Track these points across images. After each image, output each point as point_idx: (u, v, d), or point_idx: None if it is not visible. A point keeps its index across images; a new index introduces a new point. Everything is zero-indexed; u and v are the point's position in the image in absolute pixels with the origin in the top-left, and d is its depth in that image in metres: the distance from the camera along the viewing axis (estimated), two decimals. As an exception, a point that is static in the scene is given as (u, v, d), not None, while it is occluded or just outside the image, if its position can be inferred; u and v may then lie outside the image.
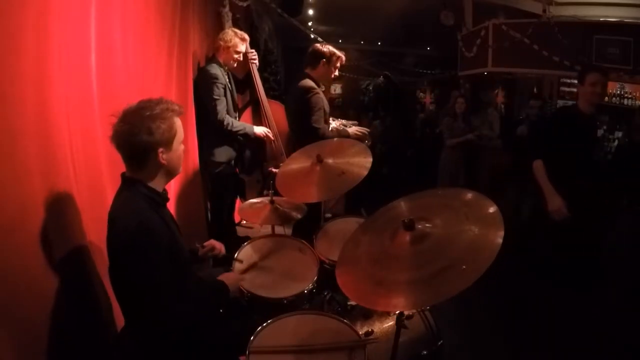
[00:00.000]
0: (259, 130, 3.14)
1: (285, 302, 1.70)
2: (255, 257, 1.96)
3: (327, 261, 1.92)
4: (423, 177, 5.46)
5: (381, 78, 7.83)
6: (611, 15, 5.01)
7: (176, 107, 1.42)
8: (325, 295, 1.97)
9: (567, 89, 5.86)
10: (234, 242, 2.83)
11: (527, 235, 3.03)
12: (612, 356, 2.27)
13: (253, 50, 3.28)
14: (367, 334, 1.54)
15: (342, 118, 3.46)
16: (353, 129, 3.06)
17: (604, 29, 4.83)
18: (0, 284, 1.16)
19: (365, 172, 1.94)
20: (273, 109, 3.48)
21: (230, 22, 3.48)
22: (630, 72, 4.67)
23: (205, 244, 1.83)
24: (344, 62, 2.87)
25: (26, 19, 1.25)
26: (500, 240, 1.11)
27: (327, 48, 2.78)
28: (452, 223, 1.26)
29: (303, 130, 2.70)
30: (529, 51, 5.12)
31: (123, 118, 1.34)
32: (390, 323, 1.63)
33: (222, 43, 2.95)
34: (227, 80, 2.99)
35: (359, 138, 2.88)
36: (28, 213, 1.29)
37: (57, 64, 1.40)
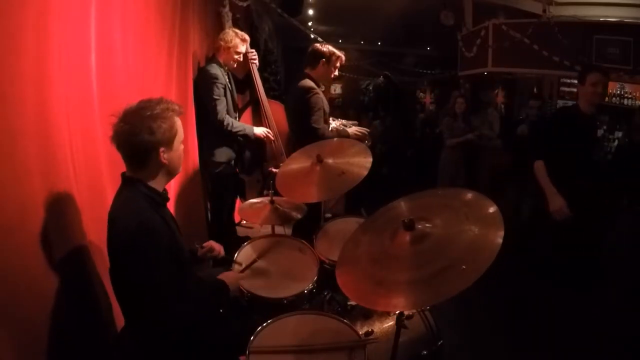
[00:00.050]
0: (259, 130, 3.14)
1: (285, 302, 1.70)
2: (255, 256, 1.96)
3: (327, 261, 1.92)
4: (423, 177, 5.46)
5: (381, 78, 7.83)
6: (611, 15, 5.01)
7: (176, 107, 1.43)
8: (325, 295, 1.97)
9: (567, 89, 5.85)
10: (234, 242, 2.84)
11: (527, 235, 3.03)
12: (612, 356, 2.27)
13: (253, 50, 3.28)
14: (367, 334, 1.54)
15: (342, 118, 3.46)
16: (353, 129, 3.06)
17: (604, 29, 4.83)
18: (0, 284, 1.16)
19: (365, 172, 1.94)
20: (273, 109, 3.48)
21: (230, 22, 3.48)
22: (630, 72, 4.67)
23: (205, 244, 1.82)
24: (343, 62, 2.86)
25: (26, 19, 1.25)
26: (500, 240, 1.11)
27: (327, 48, 2.78)
28: (452, 223, 1.26)
29: (303, 131, 2.70)
30: (529, 51, 5.11)
31: (124, 118, 1.34)
32: (390, 323, 1.63)
33: (222, 43, 2.95)
34: (227, 80, 2.99)
35: (358, 138, 2.88)
36: (28, 213, 1.29)
37: (57, 64, 1.40)
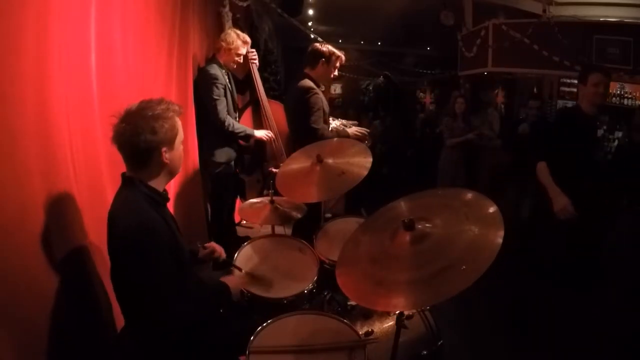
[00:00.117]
0: (260, 133, 3.14)
1: (285, 302, 1.70)
2: (256, 261, 1.94)
3: (327, 261, 1.92)
4: (423, 177, 5.46)
5: (381, 78, 7.83)
6: (611, 15, 5.01)
7: (177, 107, 1.44)
8: (325, 295, 1.97)
9: (567, 89, 5.85)
10: (234, 242, 2.84)
11: (527, 235, 3.03)
12: (612, 356, 2.27)
13: (253, 50, 3.28)
14: (367, 334, 1.54)
15: (342, 118, 3.46)
16: (353, 130, 3.06)
17: (604, 29, 4.83)
18: (0, 284, 1.16)
19: (365, 172, 1.94)
20: (273, 109, 3.48)
21: (230, 22, 3.48)
22: (630, 72, 4.67)
23: (206, 245, 1.82)
24: (343, 62, 2.86)
25: (26, 19, 1.25)
26: (500, 240, 1.11)
27: (327, 48, 2.78)
28: (452, 223, 1.26)
29: (302, 131, 2.69)
30: (529, 51, 5.11)
31: (125, 118, 1.34)
32: (390, 323, 1.63)
33: (224, 44, 2.95)
34: (227, 80, 2.99)
35: (358, 139, 2.88)
36: (28, 213, 1.29)
37: (57, 64, 1.40)
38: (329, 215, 3.01)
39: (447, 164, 4.65)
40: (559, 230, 2.52)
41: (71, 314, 1.42)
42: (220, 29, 3.40)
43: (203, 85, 2.87)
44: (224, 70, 2.96)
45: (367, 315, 1.68)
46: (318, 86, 2.76)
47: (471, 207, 1.29)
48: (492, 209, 1.24)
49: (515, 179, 4.12)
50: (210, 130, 2.93)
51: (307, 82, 2.71)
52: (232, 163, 3.13)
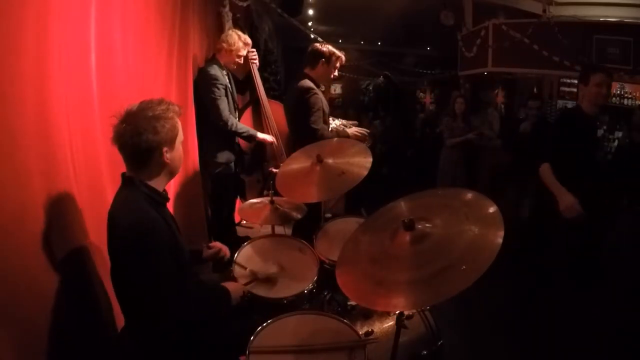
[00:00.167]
0: (263, 136, 3.13)
1: (285, 302, 1.70)
2: (256, 261, 1.94)
3: (327, 261, 1.92)
4: (423, 177, 5.46)
5: (381, 78, 7.84)
6: (611, 15, 5.01)
7: (176, 108, 1.45)
8: (325, 295, 1.97)
9: (567, 89, 5.86)
10: (234, 242, 2.84)
11: (527, 235, 3.03)
12: (612, 356, 2.27)
13: (254, 50, 3.28)
14: (367, 334, 1.54)
15: (342, 118, 3.46)
16: (352, 130, 3.06)
17: (604, 29, 4.83)
18: (0, 284, 1.16)
19: (365, 172, 1.94)
20: (273, 109, 3.48)
21: (230, 22, 3.48)
22: (630, 72, 4.67)
23: (211, 245, 1.82)
24: (343, 62, 2.86)
25: (26, 19, 1.25)
26: (500, 240, 1.11)
27: (327, 48, 2.77)
28: (452, 223, 1.26)
29: (302, 131, 2.69)
30: (529, 51, 5.11)
31: (126, 119, 1.35)
32: (390, 323, 1.63)
33: (225, 46, 2.95)
34: (228, 80, 2.99)
35: (358, 139, 2.88)
36: (28, 213, 1.29)
37: (57, 64, 1.40)
38: (329, 215, 3.01)
39: (447, 164, 4.65)
40: (559, 230, 2.52)
41: (71, 314, 1.42)
42: (220, 29, 3.40)
43: (203, 85, 2.86)
44: (224, 71, 2.97)
45: (367, 315, 1.68)
46: (318, 86, 2.76)
47: (471, 207, 1.29)
48: (492, 209, 1.24)
49: (515, 179, 4.12)
50: (210, 130, 2.93)
51: (307, 82, 2.71)
52: (232, 163, 3.13)
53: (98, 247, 1.61)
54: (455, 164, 4.60)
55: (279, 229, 2.34)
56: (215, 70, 2.87)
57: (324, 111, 2.73)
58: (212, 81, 2.83)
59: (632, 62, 4.62)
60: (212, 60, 3.04)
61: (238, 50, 2.97)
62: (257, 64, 3.36)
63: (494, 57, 5.63)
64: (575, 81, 2.92)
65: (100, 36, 1.69)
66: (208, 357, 1.50)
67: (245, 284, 1.72)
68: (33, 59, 1.29)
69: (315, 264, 1.90)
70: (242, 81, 3.40)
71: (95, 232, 1.61)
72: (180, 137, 1.47)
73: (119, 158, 1.41)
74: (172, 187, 2.42)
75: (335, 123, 3.13)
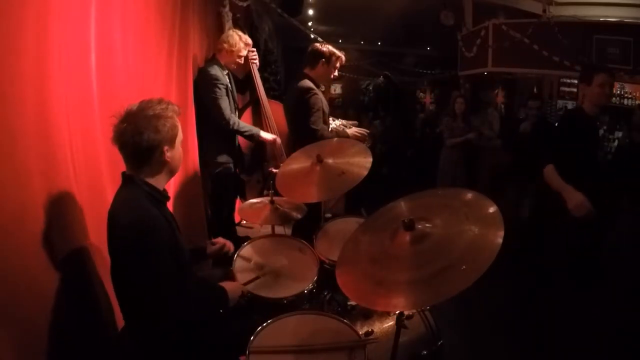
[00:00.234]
0: (267, 136, 3.13)
1: (285, 302, 1.70)
2: (256, 261, 1.94)
3: (327, 261, 1.92)
4: (423, 177, 5.46)
5: (381, 78, 7.85)
6: (611, 15, 5.01)
7: (176, 108, 1.46)
8: (325, 295, 1.97)
9: (567, 89, 5.86)
10: (234, 242, 2.82)
11: (527, 235, 3.02)
12: (612, 356, 2.27)
13: (254, 50, 3.28)
14: (367, 334, 1.54)
15: (342, 118, 3.46)
16: (352, 130, 3.06)
17: (604, 29, 4.83)
18: (0, 284, 1.16)
19: (365, 172, 1.94)
20: (273, 109, 3.48)
21: (230, 22, 3.48)
22: (630, 72, 4.67)
23: (214, 241, 1.83)
24: (343, 62, 2.86)
25: (26, 19, 1.25)
26: (500, 240, 1.11)
27: (327, 48, 2.77)
28: (452, 223, 1.26)
29: (301, 131, 2.69)
30: (529, 51, 5.11)
31: (126, 118, 1.35)
32: (390, 323, 1.63)
33: (226, 46, 2.95)
34: (228, 80, 2.99)
35: (358, 139, 2.88)
36: (28, 213, 1.29)
37: (57, 64, 1.40)
38: (329, 215, 3.01)
39: (447, 164, 4.65)
40: (559, 230, 2.52)
41: (71, 314, 1.42)
42: (220, 29, 3.40)
43: (204, 85, 2.86)
44: (224, 71, 2.97)
45: (367, 315, 1.68)
46: (318, 86, 2.75)
47: (471, 207, 1.29)
48: (492, 209, 1.24)
49: (515, 179, 4.12)
50: (210, 130, 2.93)
51: (307, 83, 2.70)
52: (232, 163, 3.13)
53: (98, 247, 1.61)
54: (455, 164, 4.60)
55: (279, 229, 2.33)
56: (215, 71, 2.87)
57: (324, 111, 2.73)
58: (213, 81, 2.83)
59: (632, 62, 4.62)
60: (212, 60, 3.03)
61: (239, 50, 2.97)
62: (257, 64, 3.36)
63: (494, 57, 5.63)
64: (575, 81, 2.91)
65: (100, 36, 1.69)
66: (208, 357, 1.50)
67: (245, 284, 1.72)
68: (33, 59, 1.29)
69: (315, 264, 1.90)
70: (242, 80, 3.40)
71: (95, 232, 1.61)
72: (180, 136, 1.48)
73: (119, 158, 1.41)
74: (172, 187, 2.42)
75: (335, 123, 3.13)
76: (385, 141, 6.08)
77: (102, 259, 1.59)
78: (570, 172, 2.41)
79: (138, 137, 1.34)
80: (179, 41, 2.62)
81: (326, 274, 1.85)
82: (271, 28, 6.72)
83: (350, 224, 2.20)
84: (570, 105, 5.67)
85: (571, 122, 2.61)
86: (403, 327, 1.34)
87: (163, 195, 1.49)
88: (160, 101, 1.42)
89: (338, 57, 2.79)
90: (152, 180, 1.43)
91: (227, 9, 3.45)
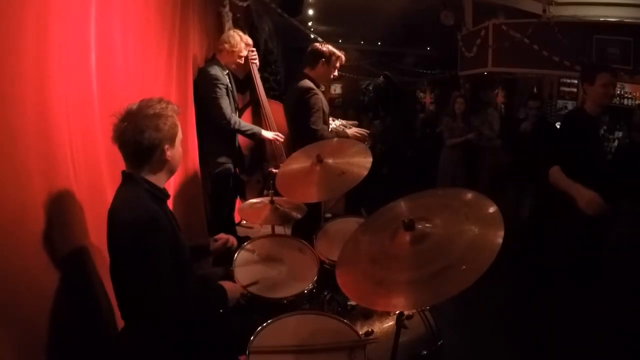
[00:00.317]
0: (269, 134, 3.12)
1: (285, 302, 1.70)
2: (256, 261, 1.94)
3: (327, 261, 1.92)
4: (423, 177, 5.46)
5: (381, 78, 7.84)
6: (611, 15, 5.02)
7: (175, 107, 1.47)
8: (325, 295, 1.97)
9: (567, 89, 5.86)
10: (234, 242, 2.83)
11: (527, 235, 3.02)
12: (612, 356, 2.26)
13: (254, 50, 3.28)
14: (367, 334, 1.54)
15: (342, 118, 3.46)
16: (352, 130, 3.06)
17: (604, 29, 4.83)
18: (0, 284, 1.16)
19: (365, 172, 1.94)
20: (273, 109, 3.48)
21: (230, 22, 3.48)
22: (630, 72, 4.67)
23: (217, 237, 1.83)
24: (343, 62, 2.86)
25: (26, 19, 1.25)
26: (500, 240, 1.11)
27: (327, 48, 2.77)
28: (452, 223, 1.26)
29: (301, 131, 2.69)
30: (529, 51, 5.11)
31: (126, 117, 1.36)
32: (390, 323, 1.63)
33: (227, 46, 2.95)
34: (228, 80, 2.99)
35: (358, 140, 2.87)
36: (28, 213, 1.29)
37: (57, 64, 1.40)
38: (329, 215, 3.01)
39: (447, 164, 4.65)
40: (559, 230, 2.52)
41: (71, 314, 1.42)
42: (220, 29, 3.40)
43: (204, 85, 2.86)
44: (225, 71, 2.97)
45: (367, 315, 1.68)
46: (318, 86, 2.75)
47: (471, 207, 1.29)
48: (492, 209, 1.24)
49: (515, 179, 4.13)
50: (210, 130, 2.93)
51: (307, 83, 2.70)
52: (232, 163, 3.13)
53: (98, 247, 1.61)
54: (455, 164, 4.60)
55: (279, 229, 2.33)
56: (215, 71, 2.87)
57: (324, 111, 2.73)
58: (213, 81, 2.83)
59: (632, 62, 4.62)
60: (212, 60, 3.03)
61: (240, 51, 2.98)
62: (257, 64, 3.36)
63: (494, 57, 5.63)
64: (575, 81, 2.91)
65: (100, 36, 1.69)
66: (208, 357, 1.50)
67: (246, 286, 1.72)
68: (33, 59, 1.29)
69: (315, 264, 1.90)
70: (242, 80, 3.40)
71: (96, 232, 1.61)
72: (180, 135, 1.49)
73: (119, 157, 1.41)
74: (172, 187, 2.42)
75: (335, 123, 3.13)
76: (385, 141, 6.08)
77: (102, 258, 1.59)
78: (571, 172, 2.41)
79: (139, 136, 1.34)
80: (179, 41, 2.62)
81: (326, 274, 1.85)
82: (271, 28, 6.72)
83: (350, 224, 2.19)
84: (570, 105, 5.67)
85: (572, 122, 2.60)
86: (403, 327, 1.34)
87: (163, 193, 1.50)
88: (160, 100, 1.43)
89: (338, 57, 2.79)
90: (152, 179, 1.44)
91: (227, 9, 3.45)
